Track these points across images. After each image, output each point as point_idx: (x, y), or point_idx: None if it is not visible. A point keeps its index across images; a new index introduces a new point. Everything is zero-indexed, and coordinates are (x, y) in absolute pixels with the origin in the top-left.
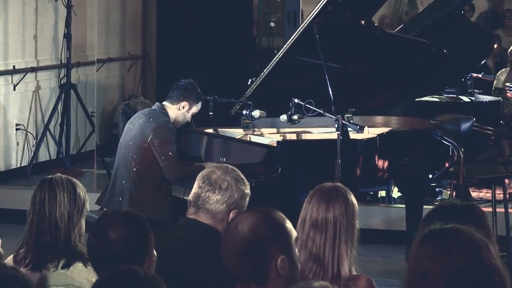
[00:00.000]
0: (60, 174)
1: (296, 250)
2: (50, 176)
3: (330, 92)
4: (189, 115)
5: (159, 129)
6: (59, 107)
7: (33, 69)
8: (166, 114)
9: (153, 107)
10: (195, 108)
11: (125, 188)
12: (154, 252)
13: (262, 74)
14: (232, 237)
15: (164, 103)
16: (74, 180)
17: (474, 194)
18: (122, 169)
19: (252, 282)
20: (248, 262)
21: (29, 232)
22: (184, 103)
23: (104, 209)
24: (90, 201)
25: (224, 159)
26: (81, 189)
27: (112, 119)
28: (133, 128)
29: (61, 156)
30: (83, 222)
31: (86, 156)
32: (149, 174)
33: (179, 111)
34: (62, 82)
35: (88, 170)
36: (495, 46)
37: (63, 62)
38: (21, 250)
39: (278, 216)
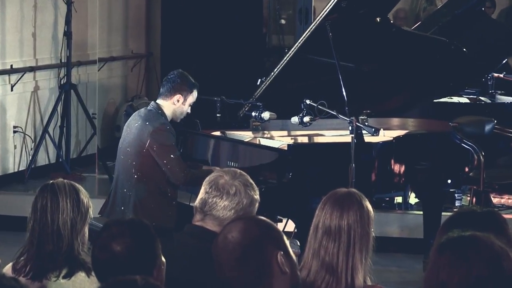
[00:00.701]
0: (62, 179)
1: (289, 246)
2: (52, 181)
3: (344, 93)
4: (186, 107)
5: (156, 132)
6: (59, 108)
7: (32, 69)
8: (162, 113)
9: (149, 107)
10: (191, 98)
11: (127, 197)
12: (163, 259)
13: (272, 74)
14: (225, 248)
15: (159, 101)
16: (77, 185)
17: (495, 200)
18: (122, 177)
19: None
20: (249, 267)
21: (29, 240)
22: (177, 96)
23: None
24: (93, 207)
25: (232, 163)
26: (84, 195)
27: (115, 121)
28: (130, 132)
29: (60, 160)
30: (86, 230)
31: (87, 160)
32: (151, 180)
33: (174, 105)
34: (62, 82)
35: (89, 175)
36: None
37: (63, 61)
38: (21, 259)
39: (264, 218)
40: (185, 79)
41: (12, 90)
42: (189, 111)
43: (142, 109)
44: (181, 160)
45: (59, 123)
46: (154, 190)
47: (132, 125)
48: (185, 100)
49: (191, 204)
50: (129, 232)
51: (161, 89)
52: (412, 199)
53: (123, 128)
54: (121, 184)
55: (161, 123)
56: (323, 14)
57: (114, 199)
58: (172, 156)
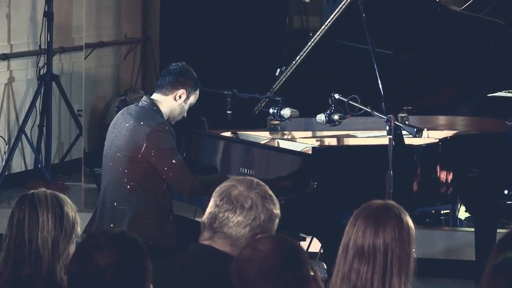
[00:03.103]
0: (44, 189)
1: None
2: (32, 192)
3: (380, 86)
4: (187, 107)
5: (154, 134)
6: (38, 104)
7: (5, 56)
8: (158, 111)
9: (140, 103)
10: (193, 98)
11: (118, 212)
12: (151, 286)
13: (294, 62)
14: (255, 258)
15: (155, 96)
16: (62, 196)
17: None
18: (112, 188)
19: None
20: (284, 280)
21: (4, 261)
22: (181, 91)
23: None
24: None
25: (246, 170)
26: (70, 208)
27: (104, 119)
28: (120, 134)
29: (39, 166)
30: (71, 250)
31: (71, 166)
32: (147, 191)
33: (175, 101)
34: (41, 73)
35: (73, 184)
36: None
37: (42, 47)
38: None
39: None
40: (191, 74)
41: None
42: (185, 114)
43: (132, 106)
44: (185, 166)
45: (37, 122)
46: (151, 203)
47: (122, 126)
48: (187, 97)
49: (196, 219)
50: (117, 245)
51: (159, 81)
52: (462, 213)
53: (108, 129)
54: (110, 197)
55: (159, 122)
56: None
57: (101, 215)
58: (174, 161)
